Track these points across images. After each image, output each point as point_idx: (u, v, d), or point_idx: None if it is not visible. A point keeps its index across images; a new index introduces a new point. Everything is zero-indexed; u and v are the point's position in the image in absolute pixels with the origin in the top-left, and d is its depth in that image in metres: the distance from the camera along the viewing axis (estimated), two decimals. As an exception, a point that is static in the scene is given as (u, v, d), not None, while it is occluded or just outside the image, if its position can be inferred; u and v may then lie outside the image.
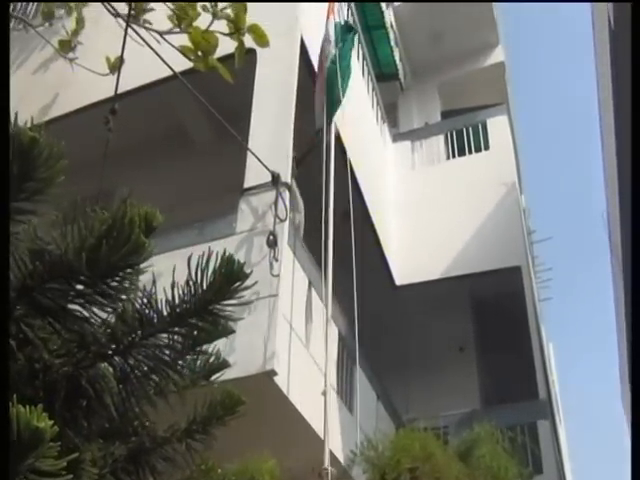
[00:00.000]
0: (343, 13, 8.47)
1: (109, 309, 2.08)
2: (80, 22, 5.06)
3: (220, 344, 2.21)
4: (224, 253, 2.16)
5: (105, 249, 1.93)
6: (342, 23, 6.54)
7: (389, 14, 12.51)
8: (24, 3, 7.74)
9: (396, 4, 13.01)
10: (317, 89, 6.30)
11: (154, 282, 2.15)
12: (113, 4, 4.26)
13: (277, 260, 5.11)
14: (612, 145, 9.21)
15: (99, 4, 4.03)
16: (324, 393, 5.01)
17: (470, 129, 11.39)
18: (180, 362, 2.24)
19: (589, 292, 41.43)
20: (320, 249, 5.96)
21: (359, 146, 8.44)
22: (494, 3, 13.43)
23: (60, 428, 1.43)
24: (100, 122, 3.72)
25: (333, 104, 6.07)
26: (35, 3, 7.60)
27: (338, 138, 7.06)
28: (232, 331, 2.29)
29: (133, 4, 4.23)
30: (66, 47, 4.81)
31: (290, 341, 5.20)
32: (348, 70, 6.29)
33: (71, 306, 2.05)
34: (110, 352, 2.09)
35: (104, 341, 2.08)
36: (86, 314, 2.06)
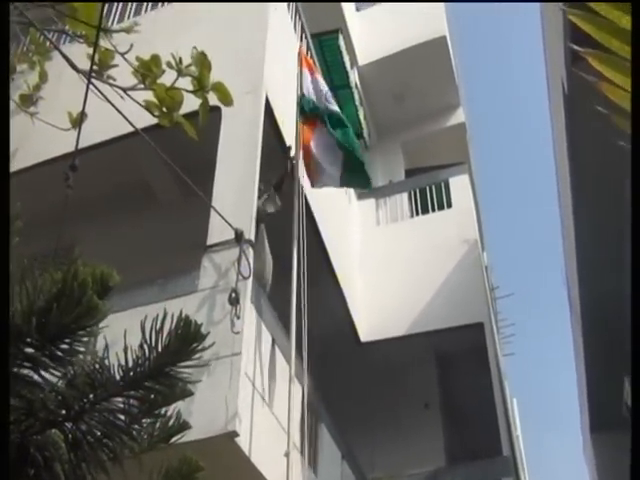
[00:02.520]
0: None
1: (59, 373, 2.01)
2: (43, 76, 5.05)
3: (180, 405, 2.14)
4: (180, 314, 2.11)
5: (55, 312, 1.87)
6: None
7: (354, 74, 12.79)
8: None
9: (361, 64, 13.33)
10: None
11: (106, 346, 2.08)
12: (77, 58, 4.27)
13: (239, 318, 5.04)
14: (569, 203, 9.42)
15: (62, 60, 4.02)
16: (287, 454, 4.89)
17: (433, 187, 11.57)
18: (135, 427, 2.16)
19: (552, 346, 41.85)
20: (283, 305, 5.91)
21: (324, 203, 8.49)
22: (455, 67, 13.85)
23: (5, 500, 1.35)
24: (61, 177, 3.68)
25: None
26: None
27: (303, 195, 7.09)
28: (190, 394, 2.22)
29: (97, 59, 4.24)
30: (27, 101, 4.78)
31: (253, 401, 5.09)
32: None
33: (19, 370, 1.97)
34: (60, 418, 2.01)
35: (54, 407, 2.00)
36: (35, 378, 1.98)
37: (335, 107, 6.54)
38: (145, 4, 8.06)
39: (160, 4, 8.05)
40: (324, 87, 6.68)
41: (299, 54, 7.07)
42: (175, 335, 2.08)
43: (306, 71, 6.77)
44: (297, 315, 5.75)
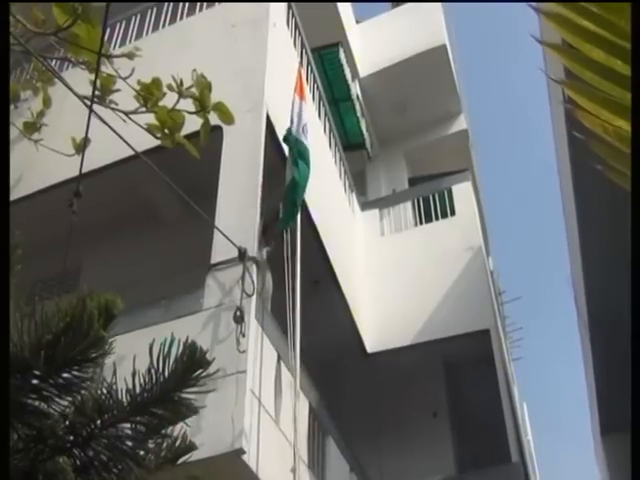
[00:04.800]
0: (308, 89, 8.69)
1: (67, 401, 2.06)
2: (47, 102, 5.14)
3: (188, 423, 2.19)
4: (186, 340, 2.17)
5: (63, 345, 1.93)
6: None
7: (355, 86, 12.87)
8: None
9: (362, 76, 13.41)
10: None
11: (114, 372, 2.14)
12: (80, 84, 4.35)
13: (244, 336, 5.09)
14: (572, 206, 9.42)
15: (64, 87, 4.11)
16: (293, 470, 4.93)
17: (436, 195, 11.60)
18: (142, 450, 2.21)
19: (561, 348, 41.67)
20: (287, 320, 5.95)
21: (328, 216, 8.55)
22: (455, 74, 13.91)
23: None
24: (66, 201, 3.75)
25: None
26: None
27: (306, 209, 7.16)
28: (194, 413, 2.27)
29: (98, 85, 4.32)
30: (31, 129, 4.86)
31: (259, 417, 5.13)
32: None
33: (27, 401, 2.03)
34: (68, 444, 2.06)
35: (62, 434, 2.05)
36: (44, 407, 2.04)
37: (304, 140, 6.52)
38: (146, 26, 8.16)
39: (161, 25, 8.16)
40: (305, 118, 6.68)
41: (297, 79, 7.11)
42: (181, 362, 2.14)
43: (297, 99, 6.83)
44: (301, 330, 5.80)
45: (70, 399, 2.09)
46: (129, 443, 2.17)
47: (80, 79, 4.51)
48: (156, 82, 4.41)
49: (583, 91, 1.50)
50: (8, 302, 1.90)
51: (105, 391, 2.11)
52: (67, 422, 2.08)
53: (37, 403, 2.04)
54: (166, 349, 2.13)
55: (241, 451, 4.69)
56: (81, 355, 1.99)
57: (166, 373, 2.12)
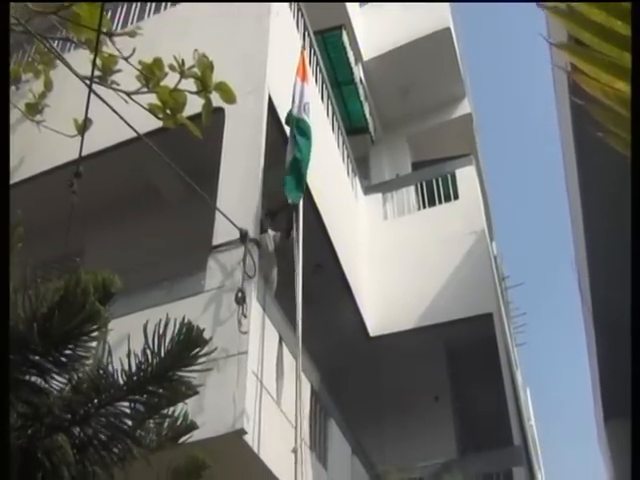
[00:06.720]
0: (311, 73, 8.64)
1: (64, 379, 2.07)
2: (48, 84, 5.12)
3: (189, 404, 2.20)
4: (183, 319, 2.17)
5: (57, 318, 1.93)
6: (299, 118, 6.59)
7: (358, 70, 12.79)
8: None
9: (365, 59, 13.33)
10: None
11: (109, 352, 2.14)
12: (82, 65, 4.33)
13: (246, 317, 5.10)
14: (577, 194, 9.38)
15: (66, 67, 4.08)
16: (294, 451, 4.95)
17: (439, 180, 11.57)
18: (142, 429, 2.21)
19: (565, 333, 41.72)
20: (292, 301, 5.96)
21: (330, 200, 8.53)
22: (460, 57, 13.82)
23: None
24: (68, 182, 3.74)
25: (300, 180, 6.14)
26: None
27: (308, 193, 7.14)
28: (192, 394, 2.28)
29: (99, 65, 4.29)
30: (33, 110, 4.85)
31: (261, 398, 5.15)
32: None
33: (25, 377, 2.03)
34: (66, 423, 2.07)
35: (60, 412, 2.06)
36: (41, 384, 2.04)
37: (305, 117, 6.54)
38: (147, 8, 8.12)
39: (163, 8, 8.11)
40: (306, 97, 6.69)
41: (299, 61, 7.07)
42: (177, 341, 2.14)
43: (298, 81, 6.80)
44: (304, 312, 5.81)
45: (67, 376, 2.09)
46: (128, 422, 2.17)
47: (82, 60, 4.48)
48: (157, 62, 4.39)
49: (582, 54, 1.47)
50: (8, 281, 1.90)
51: (102, 369, 2.12)
52: (65, 401, 2.08)
53: (35, 379, 2.05)
54: (161, 329, 2.12)
55: (242, 432, 4.72)
56: (77, 329, 1.99)
57: (162, 352, 2.12)
